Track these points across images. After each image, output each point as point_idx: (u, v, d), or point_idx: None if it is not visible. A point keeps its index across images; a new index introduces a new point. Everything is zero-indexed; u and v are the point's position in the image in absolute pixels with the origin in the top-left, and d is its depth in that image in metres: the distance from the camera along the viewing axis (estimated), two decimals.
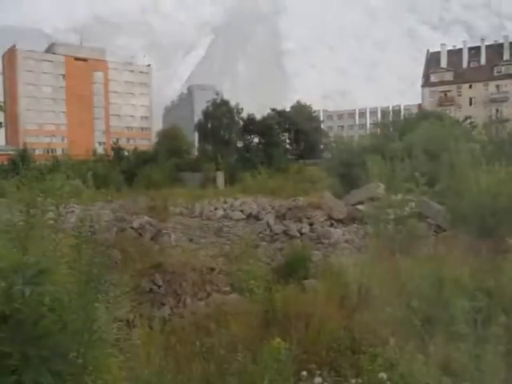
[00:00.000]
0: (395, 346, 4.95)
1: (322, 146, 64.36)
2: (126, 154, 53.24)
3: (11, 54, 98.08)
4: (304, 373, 4.22)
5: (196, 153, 62.83)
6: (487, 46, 77.40)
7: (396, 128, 35.14)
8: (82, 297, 2.26)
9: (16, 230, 2.40)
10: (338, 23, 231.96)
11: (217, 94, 62.89)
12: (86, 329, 2.22)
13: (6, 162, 37.01)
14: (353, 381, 4.24)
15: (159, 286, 8.73)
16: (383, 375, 3.98)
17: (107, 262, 2.75)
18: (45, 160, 32.26)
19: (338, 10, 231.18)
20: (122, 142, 72.17)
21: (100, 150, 59.91)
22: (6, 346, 1.54)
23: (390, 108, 56.99)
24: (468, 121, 42.76)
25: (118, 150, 53.55)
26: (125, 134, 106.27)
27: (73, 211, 13.79)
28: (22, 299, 1.72)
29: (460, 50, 79.38)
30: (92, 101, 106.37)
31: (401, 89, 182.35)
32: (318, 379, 4.14)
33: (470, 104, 75.18)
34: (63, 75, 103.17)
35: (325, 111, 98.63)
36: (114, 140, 65.73)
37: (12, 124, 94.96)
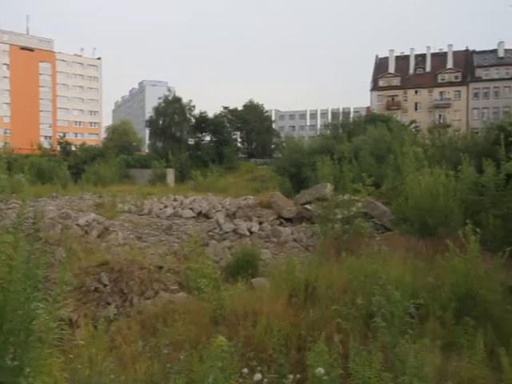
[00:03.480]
0: (339, 342, 5.07)
1: (273, 146, 65.05)
2: (73, 148, 51.65)
3: None
4: (245, 370, 4.24)
5: (146, 149, 61.96)
6: (432, 54, 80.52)
7: (345, 130, 35.96)
8: (18, 295, 2.18)
9: None
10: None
11: (169, 90, 62.24)
12: (23, 329, 2.14)
13: None
14: (290, 376, 4.30)
15: (105, 285, 8.54)
16: (320, 370, 4.07)
17: (48, 259, 2.66)
18: None
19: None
20: (70, 137, 70.12)
21: (46, 144, 57.77)
22: None
23: (340, 110, 58.07)
24: (413, 125, 44.39)
25: (64, 145, 51.90)
26: (72, 129, 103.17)
27: (14, 207, 13.29)
28: None
29: (407, 57, 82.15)
30: (38, 93, 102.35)
31: (352, 91, 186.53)
32: (257, 375, 4.17)
33: (416, 109, 77.92)
34: (7, 65, 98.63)
35: (277, 111, 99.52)
36: (61, 134, 63.66)
37: None
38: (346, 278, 7.01)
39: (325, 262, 8.08)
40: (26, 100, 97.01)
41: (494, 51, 75.69)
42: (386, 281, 5.91)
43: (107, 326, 6.13)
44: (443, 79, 78.05)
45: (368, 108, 78.44)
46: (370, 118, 40.64)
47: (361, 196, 12.19)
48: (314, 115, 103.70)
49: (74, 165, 42.07)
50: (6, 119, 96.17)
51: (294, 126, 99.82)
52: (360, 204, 11.89)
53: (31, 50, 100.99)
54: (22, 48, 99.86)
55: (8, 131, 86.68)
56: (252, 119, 63.83)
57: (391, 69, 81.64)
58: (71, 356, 4.71)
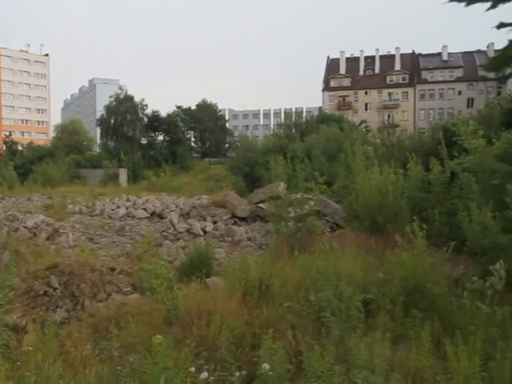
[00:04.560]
0: (292, 338, 5.15)
1: (226, 145, 65.03)
2: (20, 148, 49.78)
3: None
4: (192, 368, 4.24)
5: (98, 149, 60.49)
6: (381, 56, 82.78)
7: (298, 129, 36.41)
8: None
9: None
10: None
11: (121, 88, 61.03)
12: None
13: None
14: (237, 373, 4.34)
15: (55, 289, 8.28)
16: (266, 366, 4.13)
17: None
18: None
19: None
20: (16, 136, 67.47)
21: None
22: None
23: (293, 110, 58.78)
24: (363, 125, 45.58)
25: (10, 144, 49.97)
26: (19, 127, 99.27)
27: None
28: None
29: (357, 58, 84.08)
30: None
31: (305, 92, 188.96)
32: (204, 374, 4.18)
33: (366, 109, 79.83)
34: None
35: (230, 110, 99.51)
36: (7, 133, 61.17)
37: None
38: (299, 276, 7.12)
39: (278, 260, 8.17)
40: None
41: (439, 54, 78.68)
42: (338, 277, 6.07)
43: (57, 330, 5.96)
44: (391, 81, 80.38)
45: (320, 108, 79.71)
46: (322, 118, 41.34)
47: (313, 194, 12.40)
48: (267, 115, 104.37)
49: (20, 165, 40.63)
50: None
51: (247, 126, 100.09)
52: (312, 202, 12.08)
53: None
54: None
55: None
56: (205, 118, 63.57)
57: (342, 70, 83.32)
58: (18, 363, 4.56)
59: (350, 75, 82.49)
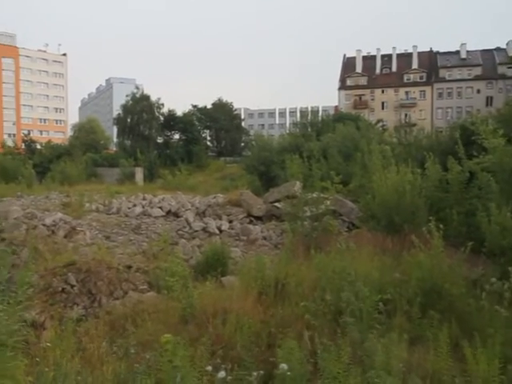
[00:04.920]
0: (308, 338, 5.13)
1: (242, 144, 65.02)
2: (38, 147, 50.41)
3: None
4: (209, 367, 4.24)
5: (114, 147, 60.98)
6: (398, 55, 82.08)
7: (314, 128, 36.26)
8: None
9: None
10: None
11: (137, 87, 61.42)
12: None
13: None
14: (255, 373, 4.32)
15: (72, 286, 8.38)
16: (284, 366, 4.11)
17: (12, 260, 2.59)
18: None
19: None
20: (35, 135, 68.38)
21: (9, 142, 56.12)
22: None
23: (309, 109, 58.56)
24: (380, 124, 45.18)
25: (29, 143, 50.64)
26: (37, 126, 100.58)
27: None
28: None
29: (374, 57, 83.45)
30: (1, 89, 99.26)
31: (321, 90, 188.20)
32: (221, 373, 4.18)
33: (382, 108, 79.23)
34: None
35: (246, 109, 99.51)
36: (26, 132, 62.02)
37: None
38: (315, 275, 7.08)
39: (294, 259, 8.15)
40: None
41: (457, 52, 77.69)
42: (355, 277, 6.02)
43: (75, 327, 6.03)
44: (409, 79, 79.65)
45: (336, 107, 79.35)
46: (338, 117, 41.12)
47: (329, 194, 12.33)
48: (283, 114, 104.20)
49: (39, 163, 41.07)
50: None
51: (263, 125, 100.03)
52: (328, 202, 12.02)
53: None
54: None
55: None
56: (221, 117, 63.67)
57: (358, 68, 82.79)
58: (37, 359, 4.61)
59: (366, 74, 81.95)
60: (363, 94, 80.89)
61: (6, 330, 2.24)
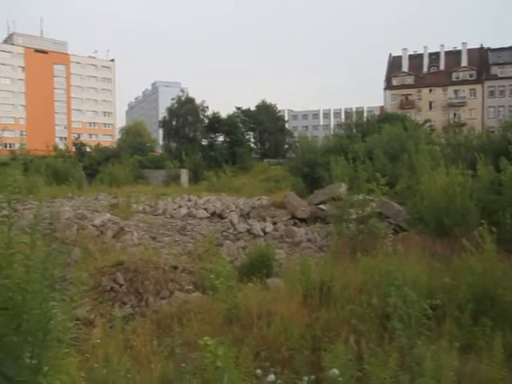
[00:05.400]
0: (355, 342, 5.03)
1: (286, 146, 64.87)
2: (88, 149, 52.07)
3: None
4: (258, 371, 4.22)
5: (160, 150, 62.22)
6: (446, 52, 79.73)
7: (359, 129, 35.74)
8: (36, 295, 2.20)
9: None
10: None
11: (182, 91, 62.47)
12: (41, 328, 2.16)
13: None
14: (305, 378, 4.27)
15: (121, 285, 8.58)
16: (335, 371, 4.04)
17: (65, 259, 2.68)
18: (1, 154, 31.18)
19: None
20: (84, 138, 70.73)
21: (61, 145, 58.28)
22: None
23: (354, 109, 57.80)
24: (427, 124, 43.99)
25: (79, 146, 52.36)
26: (87, 130, 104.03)
27: (31, 208, 13.41)
28: None
29: (421, 55, 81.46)
30: (53, 95, 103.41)
31: (366, 91, 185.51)
32: (271, 376, 4.14)
33: (430, 108, 77.20)
34: (22, 67, 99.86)
35: (289, 111, 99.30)
36: (76, 135, 64.22)
37: None
38: (361, 279, 6.95)
39: (339, 262, 8.03)
40: (41, 102, 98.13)
41: (510, 48, 74.59)
42: (402, 281, 5.86)
43: (123, 325, 6.17)
44: (458, 77, 77.25)
45: (381, 107, 77.94)
46: (384, 117, 40.38)
47: (375, 196, 12.11)
48: (327, 115, 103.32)
49: (88, 166, 42.40)
50: (21, 121, 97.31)
51: (307, 126, 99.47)
52: (374, 204, 11.80)
53: (45, 52, 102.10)
54: (37, 51, 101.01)
55: (24, 133, 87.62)
56: (265, 119, 63.77)
57: (405, 67, 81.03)
58: (87, 355, 4.74)
59: (413, 73, 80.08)
60: (410, 94, 79.11)
61: (62, 327, 2.32)
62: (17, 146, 58.96)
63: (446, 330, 5.36)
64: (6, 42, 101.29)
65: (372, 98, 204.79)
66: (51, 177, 31.57)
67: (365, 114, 43.66)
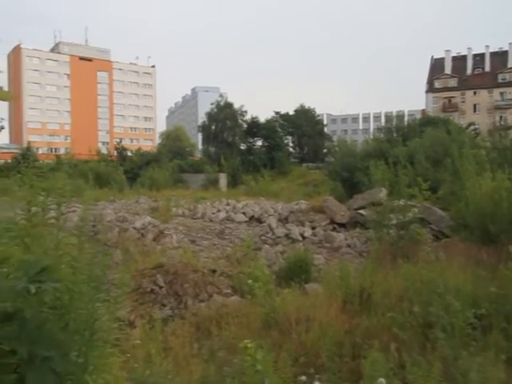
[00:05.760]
0: (396, 351, 4.93)
1: (325, 150, 64.40)
2: (129, 154, 53.28)
3: (16, 52, 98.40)
4: (303, 377, 4.19)
5: (199, 154, 62.96)
6: (492, 53, 77.36)
7: (399, 133, 35.11)
8: (83, 296, 2.26)
9: (18, 229, 2.40)
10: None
11: (221, 95, 63.06)
12: (87, 328, 2.22)
13: (9, 160, 37.05)
14: None
15: (160, 287, 8.71)
16: (382, 381, 3.95)
17: (108, 261, 2.74)
18: (48, 159, 32.26)
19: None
20: (126, 143, 72.38)
21: (103, 149, 59.91)
22: (9, 344, 1.54)
23: (394, 113, 56.80)
24: (472, 127, 42.73)
25: (121, 150, 53.61)
26: (128, 135, 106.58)
27: (75, 210, 13.85)
28: (25, 297, 1.72)
29: (464, 57, 79.34)
30: (96, 101, 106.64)
31: (406, 94, 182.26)
32: None
33: (474, 111, 75.07)
34: (68, 75, 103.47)
35: (328, 115, 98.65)
36: (118, 140, 65.82)
37: (16, 122, 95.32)
38: (402, 286, 6.81)
39: (380, 268, 7.90)
40: (85, 108, 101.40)
41: None
42: (445, 289, 5.70)
43: (162, 327, 6.26)
44: (504, 79, 74.78)
45: (423, 110, 76.29)
46: (426, 121, 39.52)
47: (417, 201, 11.84)
48: (366, 119, 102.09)
49: (129, 169, 43.37)
50: (66, 127, 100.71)
51: (346, 130, 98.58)
52: (416, 209, 11.54)
53: (90, 60, 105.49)
54: (82, 58, 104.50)
55: (69, 138, 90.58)
56: (303, 124, 63.55)
57: (447, 70, 79.13)
58: (128, 355, 4.83)
59: (456, 75, 78.07)
60: (453, 97, 77.15)
61: (107, 328, 2.38)
62: (62, 150, 60.89)
63: (492, 341, 5.17)
64: (52, 50, 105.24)
65: (413, 101, 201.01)
66: (94, 180, 32.49)
67: (406, 118, 42.89)
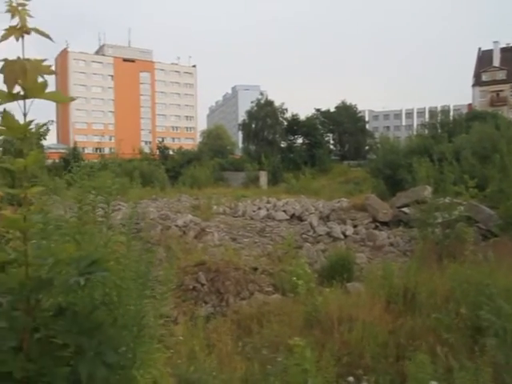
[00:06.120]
0: (442, 353, 4.80)
1: (366, 147, 63.37)
2: (171, 152, 54.12)
3: (63, 56, 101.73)
4: (350, 378, 4.14)
5: (240, 152, 63.26)
6: None
7: (444, 129, 34.13)
8: (131, 292, 2.32)
9: (69, 226, 2.48)
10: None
11: (261, 94, 63.11)
12: (135, 324, 2.27)
13: (57, 160, 38.36)
14: None
15: (202, 284, 8.82)
16: None
17: (153, 259, 2.80)
18: (93, 158, 33.17)
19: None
20: (168, 141, 73.64)
21: (146, 148, 61.15)
22: (61, 337, 1.59)
23: (439, 108, 55.26)
24: None
25: (163, 149, 54.51)
26: (170, 134, 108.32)
27: (119, 208, 14.17)
28: (76, 293, 1.78)
29: None
30: (139, 101, 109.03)
31: (451, 88, 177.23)
32: None
33: None
34: (112, 76, 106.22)
35: (370, 111, 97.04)
36: (160, 139, 66.99)
37: (63, 123, 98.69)
38: (447, 286, 6.63)
39: (425, 268, 7.71)
40: (129, 108, 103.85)
41: None
42: (494, 291, 5.50)
43: (204, 323, 6.33)
44: None
45: (469, 105, 73.84)
46: (473, 116, 38.25)
47: (463, 199, 11.49)
48: (409, 115, 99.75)
49: (171, 168, 44.04)
50: (110, 127, 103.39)
51: (388, 127, 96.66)
52: (462, 207, 11.20)
53: (133, 61, 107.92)
54: (125, 60, 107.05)
55: (113, 138, 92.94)
56: (345, 120, 62.72)
57: (496, 62, 76.15)
58: (171, 351, 4.91)
59: (505, 67, 74.98)
60: (501, 90, 74.18)
61: (154, 324, 2.43)
62: (106, 150, 62.57)
63: None
64: (97, 53, 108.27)
65: (459, 95, 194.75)
66: (137, 179, 33.20)
67: (451, 113, 41.62)
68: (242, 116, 65.80)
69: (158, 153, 54.38)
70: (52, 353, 1.60)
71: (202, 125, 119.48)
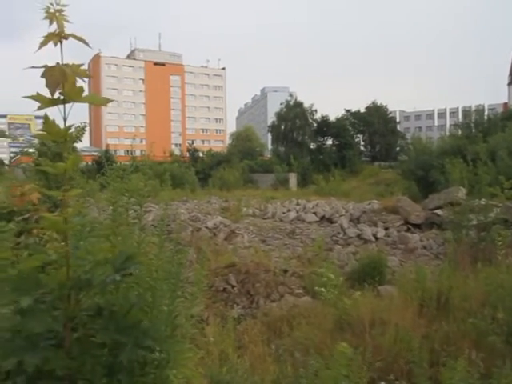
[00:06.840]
0: (478, 359, 4.68)
1: (398, 148, 62.42)
2: (200, 155, 54.59)
3: (96, 60, 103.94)
4: (382, 383, 4.08)
5: (269, 154, 63.27)
6: None
7: (479, 129, 33.32)
8: (163, 293, 2.35)
9: (103, 228, 2.53)
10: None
11: (291, 95, 62.97)
12: (168, 324, 2.30)
13: (90, 163, 39.20)
14: None
15: (233, 286, 8.85)
16: None
17: (184, 260, 2.83)
18: (125, 161, 33.68)
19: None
20: (197, 144, 74.31)
21: (176, 151, 61.86)
22: (101, 336, 1.63)
23: (473, 107, 53.94)
24: None
25: (193, 152, 55.05)
26: (200, 136, 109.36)
27: (150, 210, 14.34)
28: (112, 294, 1.82)
29: None
30: (169, 104, 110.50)
31: (486, 87, 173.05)
32: None
33: None
34: (143, 79, 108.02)
35: (401, 112, 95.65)
36: (190, 142, 67.65)
37: (96, 126, 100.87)
38: (483, 290, 6.46)
39: (459, 271, 7.55)
40: (159, 111, 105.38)
41: None
42: None
43: (235, 325, 6.35)
44: None
45: (505, 104, 71.87)
46: (509, 115, 37.19)
47: (499, 201, 11.18)
48: (442, 115, 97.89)
49: (201, 170, 44.46)
50: (141, 129, 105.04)
51: (420, 127, 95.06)
52: (498, 209, 10.90)
53: (163, 64, 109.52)
54: (156, 63, 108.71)
55: (144, 140, 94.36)
56: (375, 121, 61.92)
57: None
58: (203, 352, 4.95)
59: None
60: None
61: (186, 324, 2.46)
62: (138, 152, 63.43)
63: None
64: (128, 57, 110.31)
65: (493, 94, 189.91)
66: (168, 181, 33.61)
67: (486, 112, 40.59)
68: (271, 118, 65.79)
69: (188, 155, 54.92)
70: (91, 351, 1.64)
71: (231, 127, 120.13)
